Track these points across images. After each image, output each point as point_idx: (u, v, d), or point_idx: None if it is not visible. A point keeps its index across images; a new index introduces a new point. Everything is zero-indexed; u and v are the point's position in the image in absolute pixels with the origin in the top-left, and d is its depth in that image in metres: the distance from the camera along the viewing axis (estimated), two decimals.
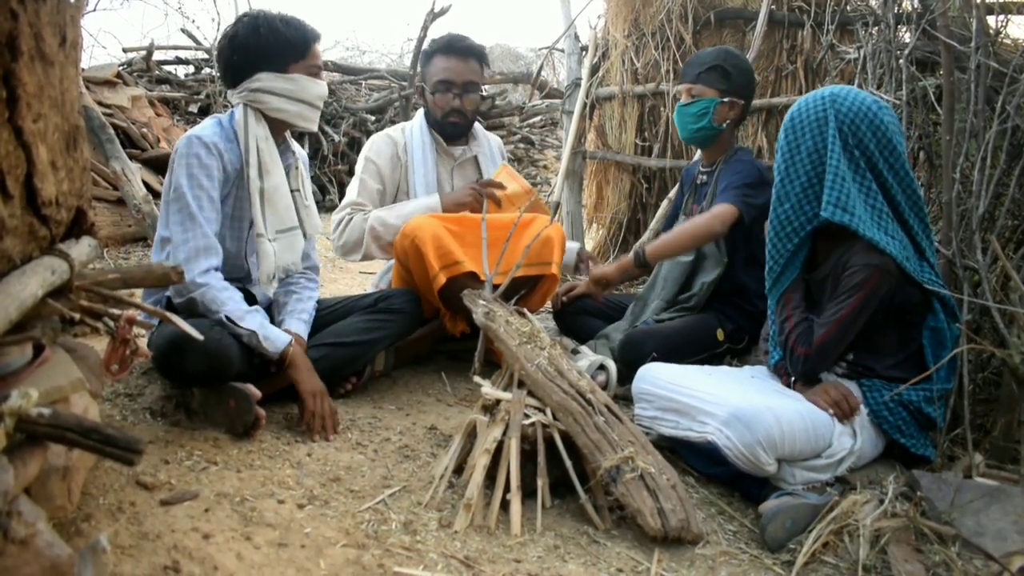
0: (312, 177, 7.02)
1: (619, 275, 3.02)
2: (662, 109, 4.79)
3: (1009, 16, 3.06)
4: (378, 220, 3.03)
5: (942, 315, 2.27)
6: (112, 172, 4.36)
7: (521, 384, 2.15)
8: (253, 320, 2.32)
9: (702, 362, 2.73)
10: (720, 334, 3.00)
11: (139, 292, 2.58)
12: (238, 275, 2.60)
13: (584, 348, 2.90)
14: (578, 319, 3.27)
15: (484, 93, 3.37)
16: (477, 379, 2.24)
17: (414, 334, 2.94)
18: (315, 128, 2.67)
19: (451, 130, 3.24)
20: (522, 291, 2.76)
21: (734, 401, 2.17)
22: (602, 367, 2.73)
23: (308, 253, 2.79)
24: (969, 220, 2.57)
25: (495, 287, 2.58)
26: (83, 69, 5.13)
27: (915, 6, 3.27)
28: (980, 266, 2.46)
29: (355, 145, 7.44)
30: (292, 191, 2.61)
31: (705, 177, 3.20)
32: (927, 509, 2.02)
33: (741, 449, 2.09)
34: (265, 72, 2.47)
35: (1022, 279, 2.27)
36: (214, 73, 7.28)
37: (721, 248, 3.02)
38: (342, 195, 7.08)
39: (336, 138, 7.15)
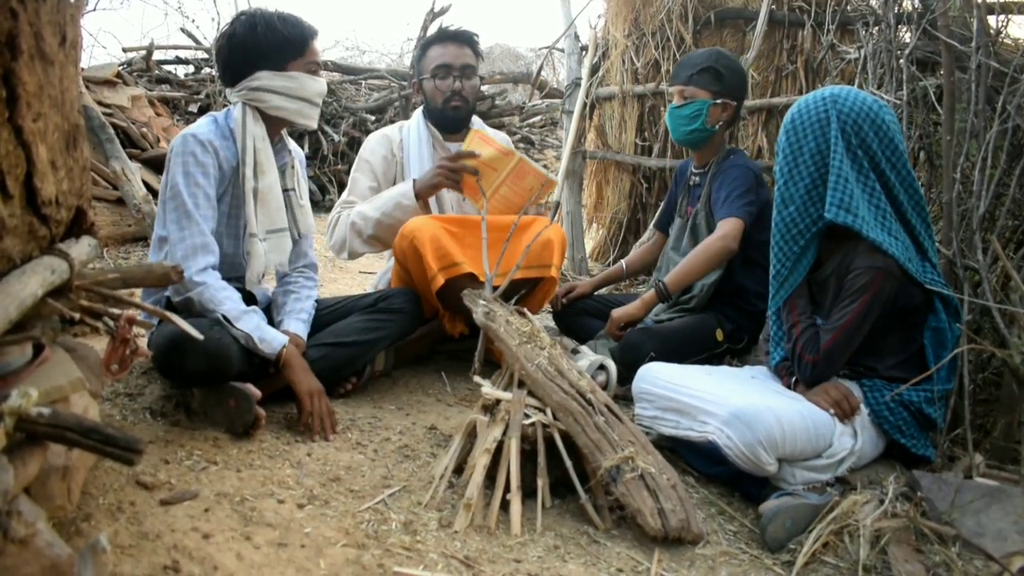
0: (312, 177, 7.04)
1: (644, 312, 2.96)
2: (662, 109, 4.79)
3: (1010, 16, 3.06)
4: (358, 214, 3.01)
5: (944, 315, 2.27)
6: (112, 172, 4.36)
7: (521, 384, 2.15)
8: (249, 321, 2.31)
9: (702, 362, 2.73)
10: (719, 334, 3.00)
11: (139, 292, 2.58)
12: (237, 274, 2.60)
13: (584, 348, 2.90)
14: (578, 319, 3.27)
15: (482, 81, 3.36)
16: (477, 379, 2.24)
17: (414, 334, 2.94)
18: (315, 126, 2.67)
19: (452, 115, 3.19)
20: (522, 291, 2.75)
21: (735, 401, 2.17)
22: (602, 367, 2.73)
23: (306, 252, 2.79)
24: (969, 220, 2.57)
25: (495, 288, 2.57)
26: (83, 68, 5.13)
27: (916, 6, 3.26)
28: (980, 266, 2.46)
29: (355, 144, 7.43)
30: (287, 190, 2.61)
31: (698, 178, 3.20)
32: (927, 509, 2.02)
33: (742, 449, 2.09)
34: (264, 70, 2.47)
35: (1022, 279, 2.26)
36: (214, 73, 7.28)
37: None
38: (341, 195, 7.14)
39: (336, 138, 7.15)
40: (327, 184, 7.15)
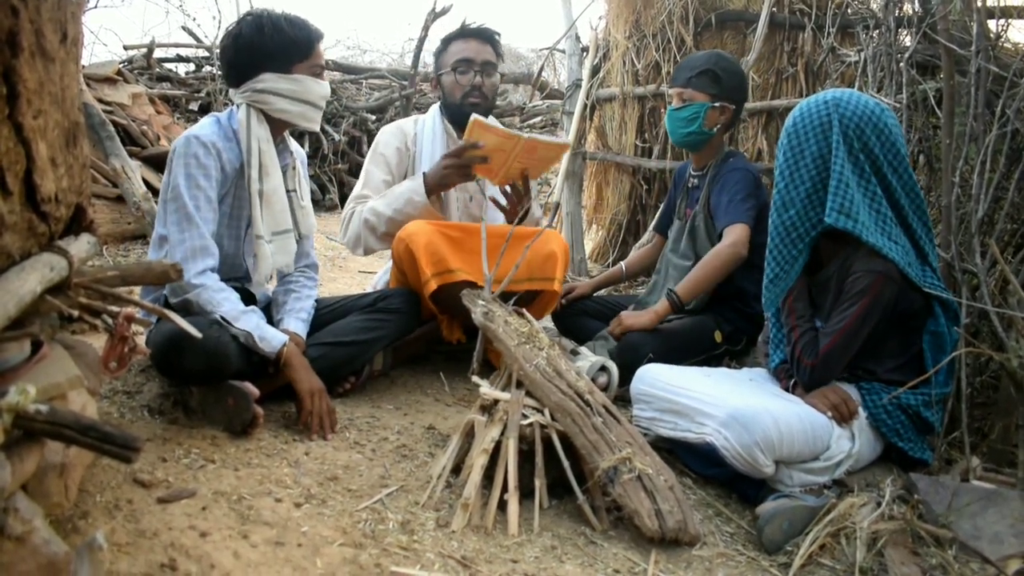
0: (312, 176, 7.04)
1: (655, 323, 2.91)
2: (662, 111, 4.79)
3: (1010, 20, 3.06)
4: (370, 210, 3.01)
5: (943, 319, 2.27)
6: (112, 169, 4.36)
7: (519, 384, 2.15)
8: (249, 321, 2.31)
9: (700, 364, 2.73)
10: (718, 336, 3.00)
11: (138, 290, 2.58)
12: (237, 274, 2.60)
13: (583, 349, 2.90)
14: (577, 320, 3.27)
15: (501, 79, 3.33)
16: (475, 379, 2.24)
17: (412, 334, 2.94)
18: (317, 128, 2.67)
19: (470, 111, 3.08)
20: (517, 296, 2.73)
21: (732, 402, 2.17)
22: (603, 368, 2.73)
23: (307, 252, 2.79)
24: (968, 224, 2.57)
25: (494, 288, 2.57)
26: (84, 66, 5.13)
27: (916, 10, 3.27)
28: (979, 270, 2.46)
29: (355, 144, 7.44)
30: (289, 191, 2.61)
31: (696, 180, 3.20)
32: (924, 512, 2.02)
33: (739, 450, 2.09)
34: (269, 72, 2.46)
35: (1021, 283, 2.27)
36: (215, 71, 7.28)
37: None
38: (342, 194, 7.18)
39: (336, 137, 7.15)
40: (327, 183, 7.15)
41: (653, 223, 3.75)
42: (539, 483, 2.02)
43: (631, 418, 2.40)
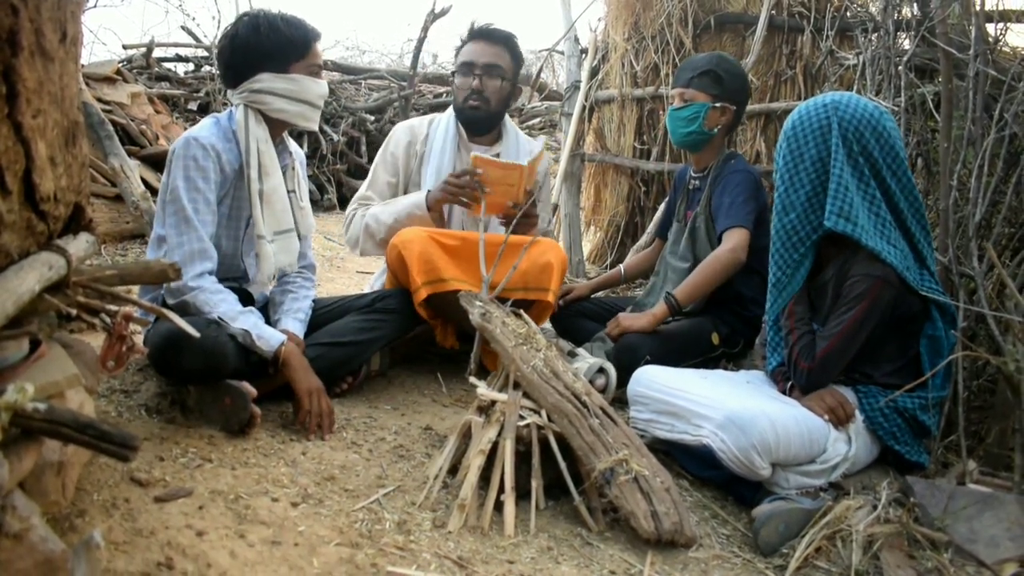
0: (311, 176, 7.03)
1: (654, 325, 2.90)
2: (661, 112, 4.80)
3: (1008, 24, 3.07)
4: (372, 216, 3.03)
5: (940, 323, 2.27)
6: (110, 169, 4.35)
7: (516, 385, 2.15)
8: (246, 320, 2.32)
9: (697, 366, 2.73)
10: (715, 338, 3.00)
11: (136, 289, 2.58)
12: (235, 275, 2.60)
13: (581, 350, 2.90)
14: (576, 321, 3.27)
15: (515, 90, 3.21)
16: (473, 380, 2.25)
17: (410, 334, 2.94)
18: (316, 127, 2.67)
19: (470, 114, 3.14)
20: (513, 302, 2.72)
21: (730, 405, 2.17)
22: (601, 370, 2.73)
23: (304, 252, 2.79)
24: (966, 227, 2.58)
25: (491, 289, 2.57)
26: (83, 65, 5.13)
27: (915, 13, 3.27)
28: (976, 273, 2.46)
29: (354, 145, 7.44)
30: (288, 191, 2.62)
31: (697, 182, 3.20)
32: (920, 515, 2.03)
33: (736, 453, 2.09)
34: (266, 72, 2.46)
35: (1018, 287, 2.27)
36: (214, 71, 7.27)
37: None
38: (340, 195, 7.17)
39: (335, 138, 7.15)
40: (326, 184, 7.15)
41: (655, 229, 3.74)
42: (536, 484, 2.02)
43: (628, 420, 2.41)
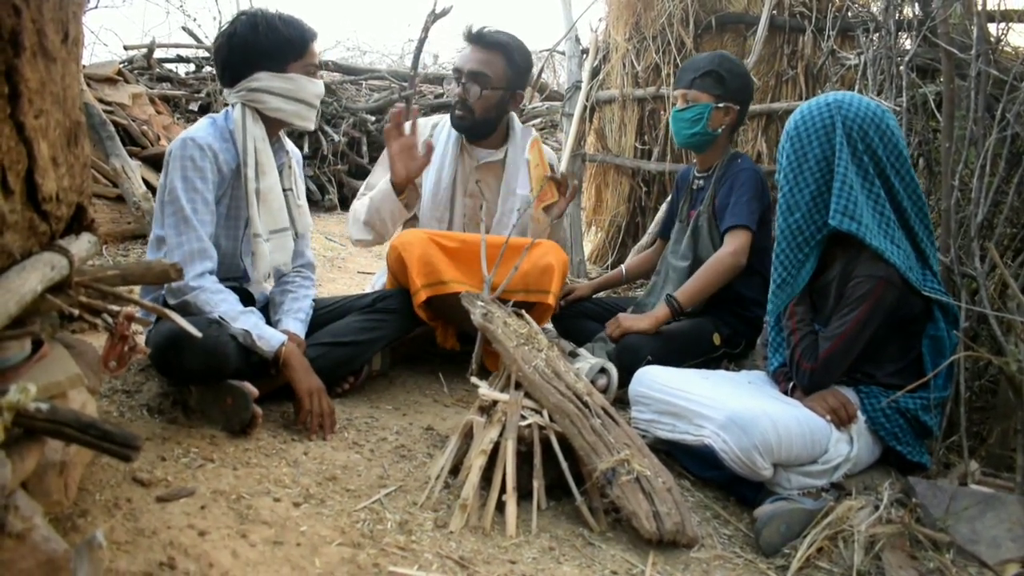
0: (312, 177, 7.03)
1: (656, 327, 2.89)
2: (662, 113, 4.80)
3: (1010, 24, 3.07)
4: (359, 202, 3.07)
5: (943, 323, 2.27)
6: (112, 169, 4.35)
7: (518, 385, 2.15)
8: (247, 320, 2.32)
9: (698, 366, 2.73)
10: (716, 339, 3.00)
11: (137, 289, 2.58)
12: (235, 274, 2.61)
13: (582, 351, 2.90)
14: (577, 322, 3.27)
15: (514, 96, 3.15)
16: (474, 380, 2.25)
17: (411, 334, 2.94)
18: (312, 127, 2.68)
19: (456, 123, 3.11)
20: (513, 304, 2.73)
21: (731, 405, 2.17)
22: (602, 370, 2.73)
23: (302, 251, 2.79)
24: (968, 227, 2.58)
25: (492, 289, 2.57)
26: (84, 66, 5.13)
27: (916, 13, 3.27)
28: (978, 274, 2.46)
29: (355, 145, 7.44)
30: (285, 190, 2.62)
31: (701, 182, 3.20)
32: (922, 516, 2.03)
33: (737, 453, 2.09)
34: (264, 71, 2.47)
35: (1020, 287, 2.27)
36: (215, 71, 7.28)
37: None
38: (341, 195, 7.17)
39: (336, 138, 7.15)
40: (327, 184, 7.15)
41: (657, 230, 3.74)
42: (537, 484, 2.02)
43: (630, 420, 2.40)
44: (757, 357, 2.84)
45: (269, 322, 2.52)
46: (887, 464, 2.32)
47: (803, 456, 2.16)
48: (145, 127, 5.07)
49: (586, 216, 5.44)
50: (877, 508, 2.03)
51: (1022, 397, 2.11)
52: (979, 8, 2.72)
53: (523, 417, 2.06)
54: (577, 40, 5.33)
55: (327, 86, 7.24)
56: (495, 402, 2.11)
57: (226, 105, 2.58)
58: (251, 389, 2.18)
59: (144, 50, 7.20)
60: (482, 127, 3.13)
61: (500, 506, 1.94)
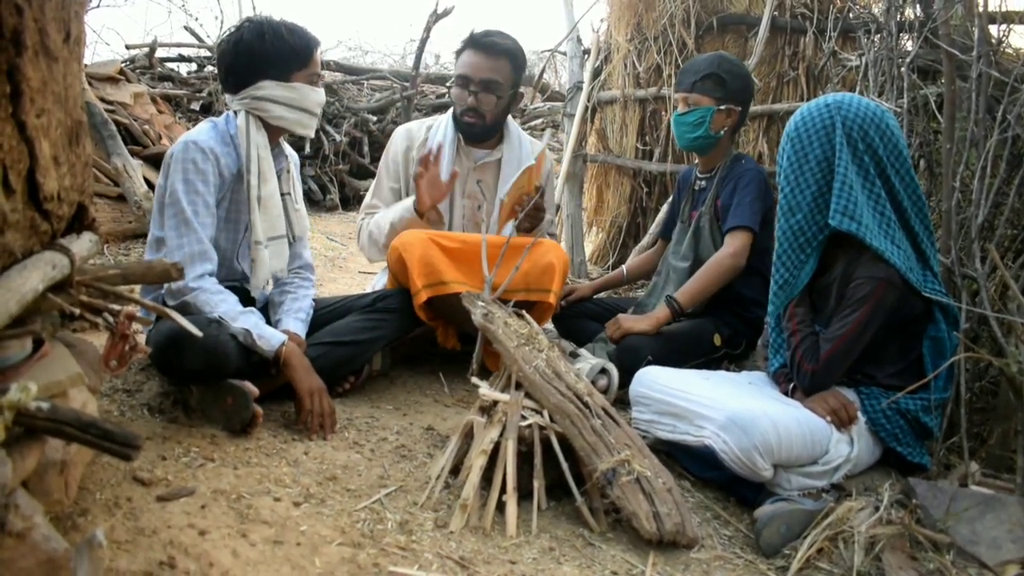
0: (313, 176, 7.04)
1: (656, 328, 2.89)
2: (663, 113, 4.80)
3: (1011, 25, 3.06)
4: (374, 223, 3.05)
5: (943, 324, 2.27)
6: (113, 168, 4.36)
7: (519, 386, 2.15)
8: (247, 321, 2.32)
9: (699, 367, 2.73)
10: (717, 339, 3.00)
11: (138, 288, 2.59)
12: (233, 278, 2.62)
13: (583, 351, 2.90)
14: (578, 322, 3.27)
15: (517, 96, 3.19)
16: (475, 380, 2.25)
17: (411, 334, 2.95)
18: (312, 134, 2.70)
19: (466, 129, 3.13)
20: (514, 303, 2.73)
21: (732, 406, 2.17)
22: (603, 371, 2.73)
23: (300, 253, 2.80)
24: (968, 229, 2.58)
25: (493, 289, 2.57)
26: (86, 65, 5.13)
27: (917, 14, 3.27)
28: (979, 275, 2.46)
29: (356, 145, 7.45)
30: (283, 194, 2.63)
31: (704, 183, 3.20)
32: (922, 517, 2.03)
33: (737, 454, 2.09)
34: (268, 80, 2.48)
35: (1021, 289, 2.27)
36: (217, 74, 7.28)
37: None
38: (343, 195, 7.17)
39: (337, 138, 7.15)
40: (328, 184, 7.15)
41: (659, 230, 3.73)
42: (538, 484, 2.02)
43: (630, 420, 2.40)
44: (758, 358, 2.84)
45: (269, 323, 2.52)
46: (887, 465, 2.32)
47: (803, 457, 2.16)
48: (147, 126, 5.07)
49: (587, 217, 5.44)
50: (877, 509, 2.03)
51: (1022, 398, 2.11)
52: (980, 10, 2.72)
53: (523, 417, 2.06)
54: (579, 40, 5.33)
55: (328, 86, 7.26)
56: (496, 402, 2.12)
57: (226, 105, 2.59)
58: (251, 388, 2.18)
59: (146, 49, 7.21)
60: (491, 131, 3.17)
61: (500, 506, 1.94)
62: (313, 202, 6.98)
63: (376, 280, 3.38)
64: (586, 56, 5.26)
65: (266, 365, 2.35)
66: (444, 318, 2.90)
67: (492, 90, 3.06)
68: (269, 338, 2.33)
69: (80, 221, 1.69)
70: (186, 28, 7.97)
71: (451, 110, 3.24)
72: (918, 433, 2.29)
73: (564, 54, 5.49)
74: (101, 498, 1.72)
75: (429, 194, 2.94)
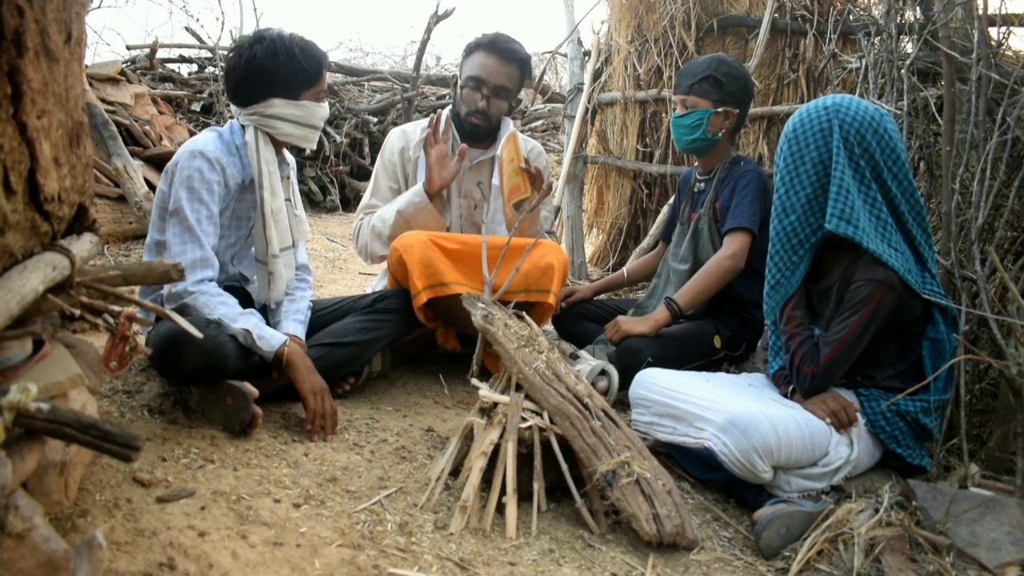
0: (313, 177, 7.05)
1: (656, 331, 2.90)
2: (664, 115, 4.80)
3: (1011, 28, 3.06)
4: (378, 218, 3.05)
5: (942, 326, 2.27)
6: (114, 169, 4.36)
7: (518, 387, 2.15)
8: (247, 322, 2.33)
9: (699, 369, 2.73)
10: (717, 341, 3.00)
11: (138, 289, 2.59)
12: (233, 279, 2.63)
13: (583, 353, 2.90)
14: (578, 324, 3.27)
15: (518, 101, 3.28)
16: (475, 382, 2.25)
17: (411, 335, 2.95)
18: (314, 147, 2.72)
19: (470, 130, 3.15)
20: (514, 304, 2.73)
21: (731, 407, 2.17)
22: (603, 372, 2.73)
23: (296, 255, 2.81)
24: (968, 231, 2.58)
25: (493, 291, 2.57)
26: (87, 66, 5.14)
27: (917, 17, 3.27)
28: (978, 277, 2.46)
29: (357, 146, 7.45)
30: (285, 200, 2.64)
31: (703, 184, 3.20)
32: (922, 518, 2.03)
33: (737, 455, 2.09)
34: (277, 98, 2.50)
35: (1020, 291, 2.27)
36: (217, 72, 7.29)
37: None
38: (343, 195, 7.17)
39: (338, 139, 7.16)
40: (328, 185, 7.16)
41: (660, 232, 3.73)
42: (537, 486, 2.02)
43: (630, 422, 2.41)
44: (757, 360, 2.84)
45: (268, 325, 2.53)
46: (887, 467, 2.32)
47: (803, 459, 2.16)
48: (147, 127, 5.07)
49: (587, 218, 5.44)
50: (877, 511, 2.03)
51: (1022, 400, 2.11)
52: (980, 12, 2.72)
53: (523, 419, 2.06)
54: (579, 42, 5.34)
55: (329, 87, 7.26)
56: (495, 404, 2.12)
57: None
58: (251, 390, 2.18)
59: (147, 50, 7.21)
60: (494, 131, 3.21)
61: (500, 508, 1.94)
62: (313, 203, 6.99)
63: (376, 281, 3.38)
64: (587, 58, 5.26)
65: (266, 367, 2.35)
66: (444, 319, 2.90)
67: (503, 96, 3.12)
68: (269, 338, 2.33)
69: (81, 222, 1.69)
70: (187, 29, 7.98)
71: (447, 109, 3.24)
72: (918, 435, 2.29)
73: (565, 56, 5.49)
74: (101, 499, 1.72)
75: (439, 173, 2.95)
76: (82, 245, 1.63)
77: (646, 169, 4.87)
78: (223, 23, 9.96)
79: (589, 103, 5.09)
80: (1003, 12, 3.03)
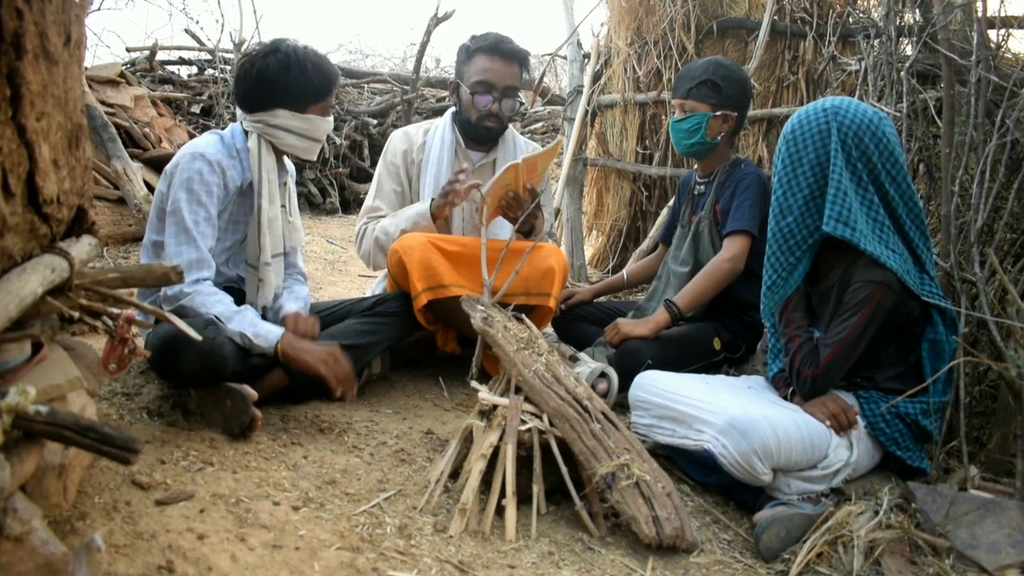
0: (313, 180, 7.05)
1: (656, 333, 2.89)
2: (663, 117, 4.81)
3: (1010, 30, 3.07)
4: (381, 229, 3.04)
5: (941, 327, 2.27)
6: (113, 171, 4.36)
7: (518, 390, 2.15)
8: (243, 319, 2.33)
9: (698, 371, 2.73)
10: (717, 343, 3.00)
11: (137, 292, 2.59)
12: (230, 280, 2.63)
13: (583, 355, 2.90)
14: (577, 326, 3.27)
15: (520, 99, 3.30)
16: (474, 384, 2.25)
17: (411, 338, 2.94)
18: (315, 158, 2.73)
19: (484, 134, 3.15)
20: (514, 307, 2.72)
21: (731, 410, 2.17)
22: (603, 375, 2.73)
23: (295, 262, 2.82)
24: (967, 233, 2.58)
25: (492, 293, 2.57)
26: (86, 68, 5.14)
27: (917, 19, 3.28)
28: (978, 279, 2.46)
29: (357, 148, 7.45)
30: (280, 206, 2.65)
31: (703, 187, 3.20)
32: (922, 521, 2.02)
33: (736, 458, 2.09)
34: (284, 110, 2.52)
35: (1019, 293, 2.27)
36: (217, 74, 7.29)
37: None
38: (342, 198, 7.17)
39: (338, 141, 7.16)
40: (328, 187, 7.16)
41: (660, 235, 3.73)
42: (537, 489, 2.02)
43: (629, 424, 2.40)
44: (757, 362, 2.84)
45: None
46: (887, 469, 2.32)
47: (803, 461, 2.16)
48: (147, 129, 5.07)
49: (587, 220, 5.44)
50: (877, 513, 2.03)
51: (1021, 402, 2.11)
52: (979, 14, 2.73)
53: (523, 421, 2.06)
54: (579, 44, 5.34)
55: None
56: (495, 406, 2.12)
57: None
58: (250, 392, 2.18)
59: (146, 52, 7.21)
60: (503, 132, 3.23)
61: (500, 510, 1.94)
62: (313, 205, 6.99)
63: (376, 284, 3.38)
64: (586, 60, 5.27)
65: (266, 367, 2.36)
66: (444, 322, 2.90)
67: (513, 96, 3.13)
68: (266, 335, 2.33)
69: (80, 224, 1.69)
70: (187, 31, 7.97)
71: (449, 113, 3.24)
72: (917, 437, 2.29)
73: (564, 58, 5.50)
74: (100, 502, 1.72)
75: (449, 206, 2.94)
76: (81, 247, 1.63)
77: (646, 171, 4.87)
78: (223, 25, 9.98)
79: (589, 105, 5.10)
80: (1002, 14, 3.04)
